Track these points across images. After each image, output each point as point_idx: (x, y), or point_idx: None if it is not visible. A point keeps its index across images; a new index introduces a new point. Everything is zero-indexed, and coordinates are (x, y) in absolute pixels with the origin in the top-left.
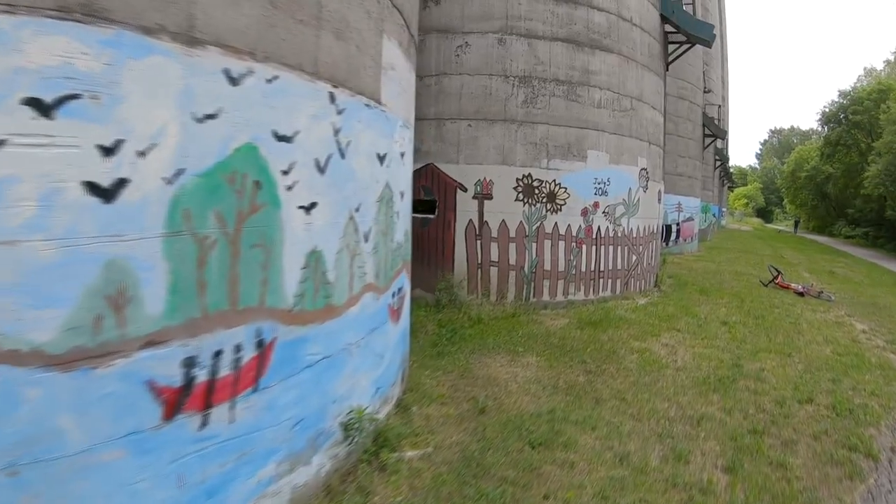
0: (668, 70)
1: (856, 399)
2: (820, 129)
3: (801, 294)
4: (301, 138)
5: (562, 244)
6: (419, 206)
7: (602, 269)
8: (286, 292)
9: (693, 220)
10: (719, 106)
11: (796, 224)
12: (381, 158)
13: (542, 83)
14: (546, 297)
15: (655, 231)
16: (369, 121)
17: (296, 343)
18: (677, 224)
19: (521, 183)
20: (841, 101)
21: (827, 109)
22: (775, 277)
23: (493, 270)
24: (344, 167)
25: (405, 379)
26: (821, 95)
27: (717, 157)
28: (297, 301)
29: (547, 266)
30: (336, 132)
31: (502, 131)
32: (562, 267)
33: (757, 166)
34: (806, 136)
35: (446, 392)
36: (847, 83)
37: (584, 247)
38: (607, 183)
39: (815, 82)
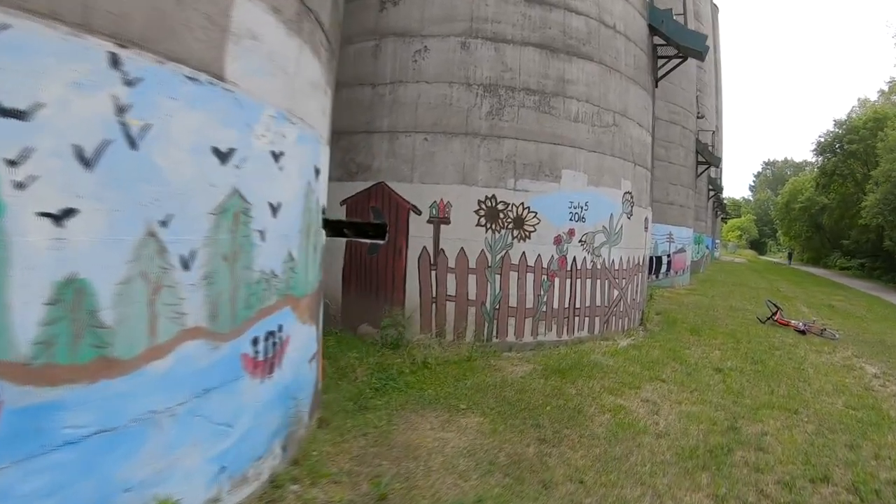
0: (657, 86)
1: (881, 473)
2: (814, 159)
3: (802, 332)
4: (47, 115)
5: (530, 277)
6: (368, 230)
7: (578, 305)
8: (15, 338)
9: (685, 251)
10: (713, 132)
11: (790, 256)
12: (225, 155)
13: (511, 92)
14: (511, 338)
15: (642, 263)
16: (197, 101)
17: (40, 410)
18: (668, 255)
19: (483, 206)
20: (836, 130)
21: (822, 139)
22: (774, 314)
23: (450, 306)
24: (137, 161)
25: (291, 447)
26: (814, 127)
27: (710, 187)
28: (39, 351)
29: (512, 302)
30: (121, 110)
31: (463, 146)
32: (530, 303)
33: (751, 198)
34: (800, 167)
35: (347, 465)
36: (840, 114)
37: (556, 280)
38: (585, 207)
39: (807, 114)
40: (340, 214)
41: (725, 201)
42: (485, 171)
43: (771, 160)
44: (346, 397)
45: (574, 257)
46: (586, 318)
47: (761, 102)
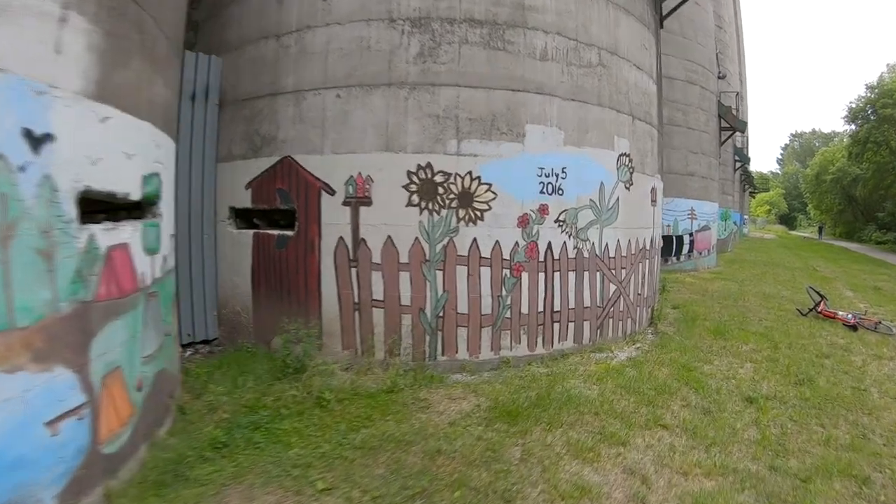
0: (662, 26)
1: None
2: (845, 128)
3: (853, 327)
4: None
5: (486, 272)
6: (275, 217)
7: (557, 308)
8: None
9: (710, 229)
10: (737, 93)
11: (820, 230)
12: None
13: (449, 26)
14: (463, 355)
15: (650, 246)
16: None
17: None
18: (690, 234)
19: (415, 178)
20: (868, 94)
21: (853, 105)
22: (817, 304)
23: (378, 314)
24: None
25: None
26: (841, 96)
27: (736, 158)
28: None
29: (462, 307)
30: None
31: (385, 101)
32: (487, 308)
33: (779, 171)
34: (828, 138)
35: None
36: (871, 79)
37: (524, 275)
38: (562, 175)
39: (834, 84)
40: (247, 200)
41: (754, 176)
42: (416, 132)
43: (798, 132)
44: (173, 456)
45: (549, 243)
46: (570, 325)
47: (786, 73)
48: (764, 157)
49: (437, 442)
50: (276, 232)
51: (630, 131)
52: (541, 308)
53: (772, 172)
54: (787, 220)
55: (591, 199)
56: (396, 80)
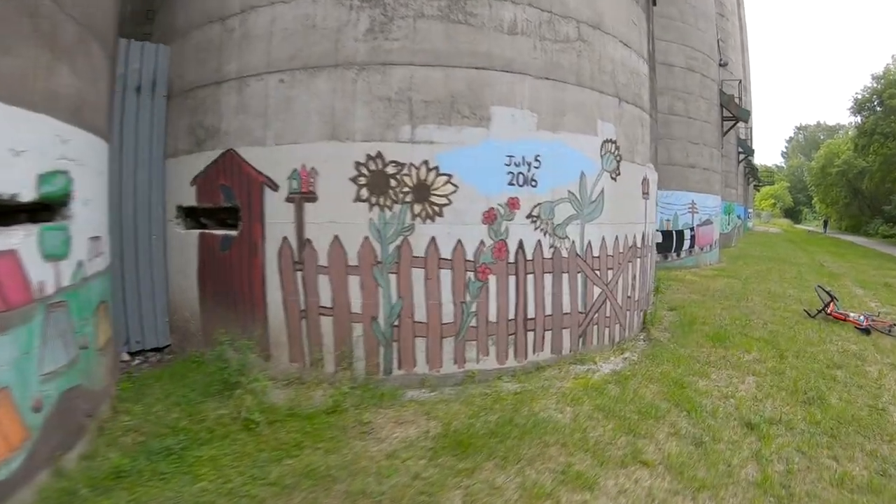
0: (655, 3)
1: None
2: (850, 120)
3: (865, 331)
4: None
5: (447, 275)
6: (222, 216)
7: (531, 315)
8: None
9: (712, 223)
10: (740, 81)
11: (825, 223)
12: None
13: None
14: (422, 369)
15: (641, 243)
16: None
17: None
18: (691, 229)
19: (363, 170)
20: (874, 85)
21: (859, 96)
22: (827, 305)
23: (326, 322)
24: None
25: None
26: (846, 88)
27: (740, 150)
28: None
29: (420, 314)
30: None
31: (331, 84)
32: (449, 316)
33: (783, 165)
34: (833, 130)
35: None
36: (877, 69)
37: (491, 278)
38: (535, 164)
39: (839, 76)
40: (192, 198)
41: (758, 169)
42: (364, 118)
43: (803, 124)
44: (68, 486)
45: (520, 241)
46: (547, 333)
47: (790, 65)
48: (768, 151)
49: (365, 480)
50: (220, 232)
51: (616, 115)
52: (511, 315)
53: (777, 166)
54: (793, 214)
55: (569, 191)
56: (344, 61)
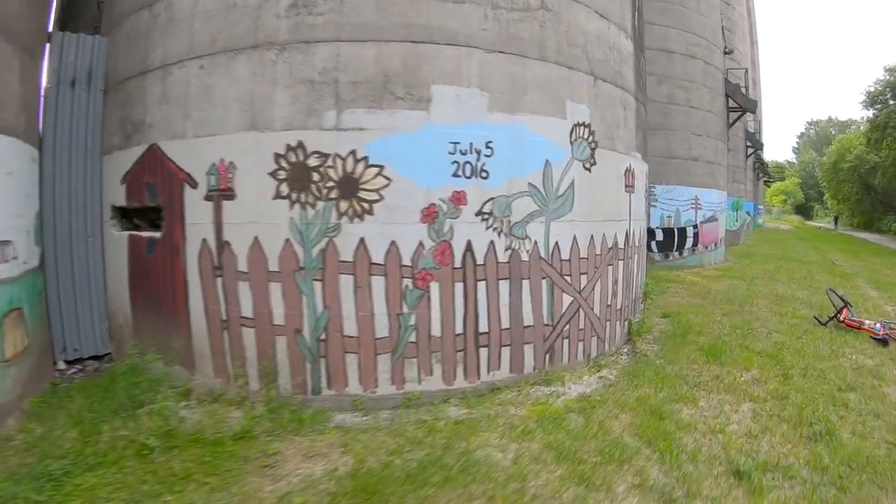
0: None
1: None
2: (863, 114)
3: (882, 341)
4: None
5: (379, 283)
6: (150, 216)
7: (484, 328)
8: None
9: (717, 220)
10: (746, 70)
11: (836, 220)
12: None
13: None
14: (355, 388)
15: (625, 243)
16: None
17: None
18: (694, 226)
19: (283, 162)
20: (888, 77)
21: (871, 88)
22: (839, 311)
23: (248, 334)
24: None
25: None
26: (858, 83)
27: (748, 143)
28: None
29: (350, 327)
30: None
31: (251, 68)
32: (383, 329)
33: (794, 160)
34: (845, 125)
35: None
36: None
37: (433, 285)
38: (486, 152)
39: (851, 71)
40: (123, 197)
41: (768, 165)
42: (285, 104)
43: (814, 119)
44: None
45: (468, 243)
46: (504, 350)
47: (801, 60)
48: (779, 146)
49: None
50: (147, 234)
51: (590, 95)
52: (459, 329)
53: (788, 161)
54: (804, 210)
55: (530, 184)
56: (264, 41)
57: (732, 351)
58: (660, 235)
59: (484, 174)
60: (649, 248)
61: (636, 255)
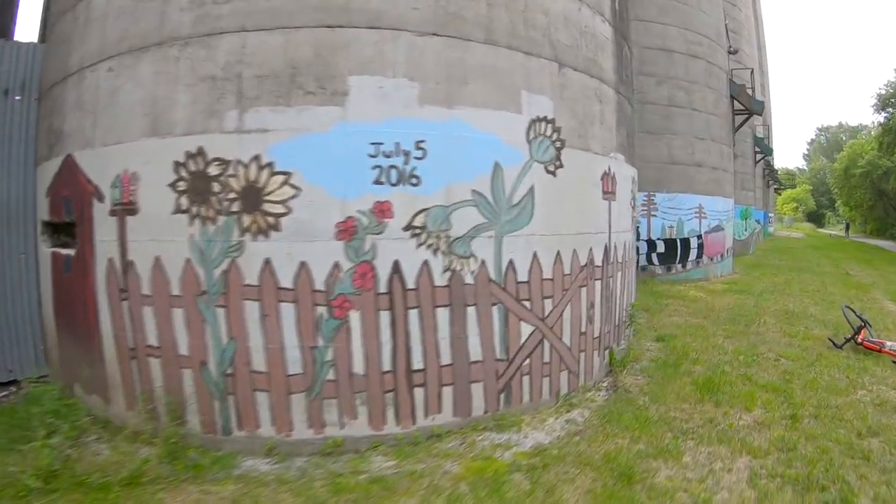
0: None
1: None
2: (873, 118)
3: None
4: None
5: (289, 311)
6: (66, 232)
7: (419, 365)
8: None
9: (723, 229)
10: (752, 71)
11: (847, 227)
12: None
13: None
14: (268, 430)
15: (604, 260)
16: None
17: None
18: (698, 237)
19: (183, 171)
20: None
21: (883, 91)
22: (857, 332)
23: (156, 364)
24: None
25: None
26: (867, 88)
27: (757, 149)
28: None
29: (259, 362)
30: None
31: (154, 67)
32: (296, 364)
33: (805, 167)
34: (856, 131)
35: None
36: None
37: (352, 314)
38: (415, 153)
39: (860, 77)
40: (46, 211)
41: (778, 172)
42: (186, 106)
43: (825, 126)
44: None
45: (395, 263)
46: (445, 390)
47: (810, 68)
48: (790, 153)
49: None
50: (65, 251)
51: (555, 85)
52: (387, 366)
53: (798, 168)
54: (816, 218)
55: (474, 191)
56: (168, 37)
57: (732, 384)
58: (661, 247)
59: (414, 180)
60: (650, 261)
61: (620, 274)
